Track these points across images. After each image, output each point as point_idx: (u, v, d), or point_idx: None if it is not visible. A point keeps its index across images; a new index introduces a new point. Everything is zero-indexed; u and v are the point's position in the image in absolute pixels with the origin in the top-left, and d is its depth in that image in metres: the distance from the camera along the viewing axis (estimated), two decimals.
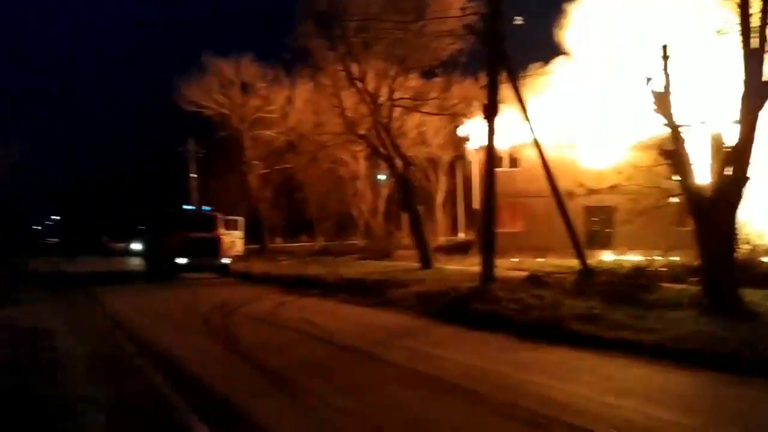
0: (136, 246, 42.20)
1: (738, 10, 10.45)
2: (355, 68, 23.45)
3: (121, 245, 55.82)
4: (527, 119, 15.30)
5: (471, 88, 30.24)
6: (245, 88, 42.99)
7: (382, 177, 48.88)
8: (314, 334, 11.23)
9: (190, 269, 24.93)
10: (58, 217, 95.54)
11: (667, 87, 11.43)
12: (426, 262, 22.74)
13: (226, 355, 9.64)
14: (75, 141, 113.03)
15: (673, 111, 11.45)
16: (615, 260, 18.68)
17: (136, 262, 34.92)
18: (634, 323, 9.80)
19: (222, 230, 27.49)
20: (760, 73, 10.35)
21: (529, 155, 19.21)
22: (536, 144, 15.35)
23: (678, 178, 11.50)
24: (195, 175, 49.35)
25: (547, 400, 6.61)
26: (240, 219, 36.43)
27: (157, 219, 27.89)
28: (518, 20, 15.17)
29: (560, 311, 11.01)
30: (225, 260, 25.70)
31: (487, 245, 15.27)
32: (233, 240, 31.19)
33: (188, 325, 12.77)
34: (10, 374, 7.11)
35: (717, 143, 11.95)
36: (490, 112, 15.18)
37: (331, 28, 23.64)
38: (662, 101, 11.44)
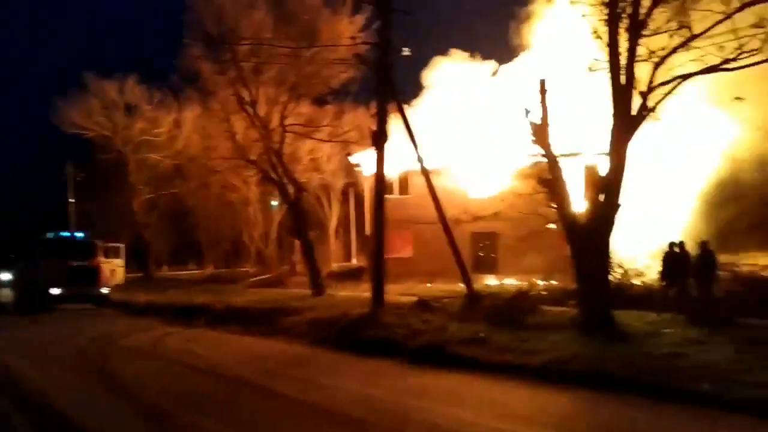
0: (5, 276, 39.16)
1: (607, 49, 11.21)
2: (245, 93, 23.15)
3: None
4: (415, 147, 15.63)
5: (362, 116, 30.67)
6: (130, 109, 41.41)
7: (274, 203, 48.29)
8: (198, 366, 10.81)
9: (67, 300, 23.39)
10: None
11: (544, 119, 12.04)
12: (318, 288, 22.54)
13: (101, 392, 9.07)
14: None
15: (550, 142, 12.05)
16: (499, 285, 19.30)
17: (5, 293, 32.35)
18: (518, 346, 10.11)
19: (101, 258, 26.05)
20: (628, 108, 11.11)
21: (419, 182, 19.56)
22: (424, 171, 15.69)
23: (555, 205, 12.06)
24: (73, 200, 46.76)
25: (435, 426, 6.65)
26: (121, 246, 34.83)
27: (30, 246, 26.06)
28: (406, 51, 15.57)
29: (446, 335, 11.19)
30: (104, 290, 24.36)
31: (377, 271, 15.36)
32: (114, 268, 29.68)
33: (61, 361, 11.90)
34: None
35: (591, 173, 12.68)
36: (379, 140, 15.40)
37: (220, 51, 23.30)
38: (540, 133, 12.02)
